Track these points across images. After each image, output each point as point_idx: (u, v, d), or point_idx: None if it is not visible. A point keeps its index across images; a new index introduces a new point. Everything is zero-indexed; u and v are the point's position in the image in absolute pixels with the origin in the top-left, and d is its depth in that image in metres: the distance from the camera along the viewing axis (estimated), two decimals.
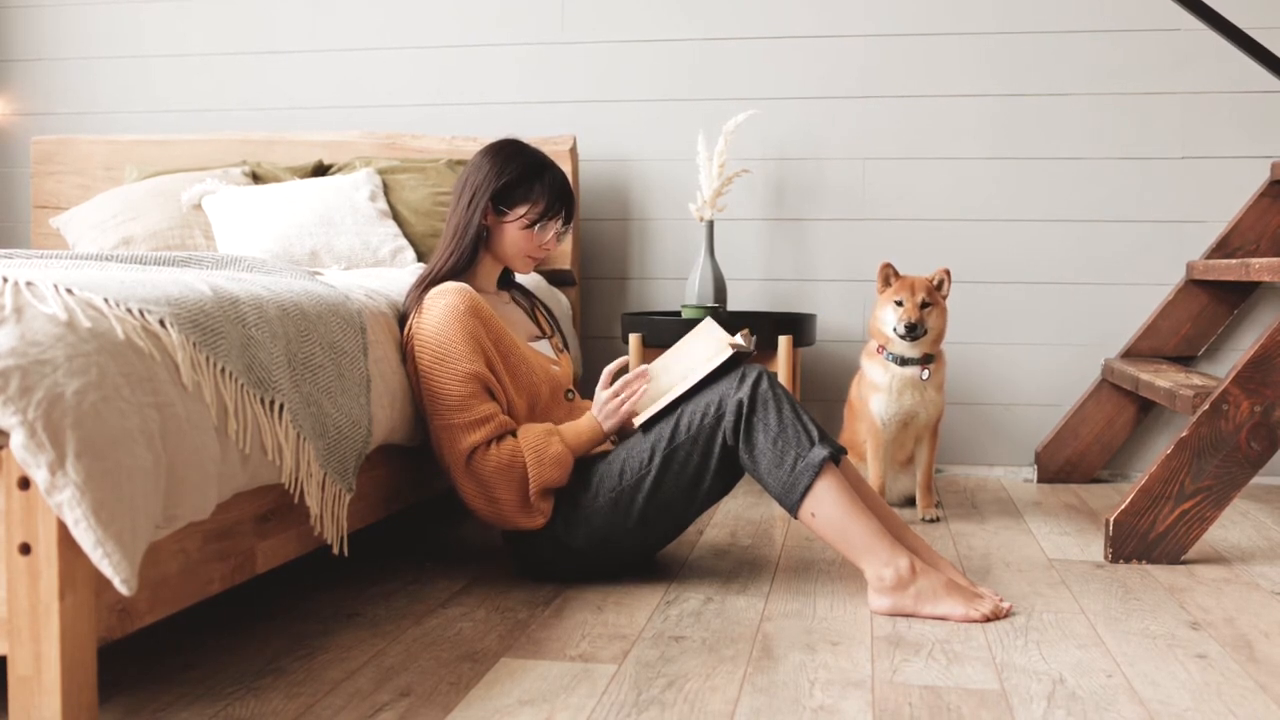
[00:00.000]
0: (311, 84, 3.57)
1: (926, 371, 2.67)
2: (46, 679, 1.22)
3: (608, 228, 3.46)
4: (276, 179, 3.20)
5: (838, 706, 1.48)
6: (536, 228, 2.13)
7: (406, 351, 2.03)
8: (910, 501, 2.82)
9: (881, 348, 2.68)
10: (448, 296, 2.00)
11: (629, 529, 2.01)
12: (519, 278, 2.40)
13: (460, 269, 2.12)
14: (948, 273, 2.67)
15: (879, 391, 2.68)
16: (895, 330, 2.62)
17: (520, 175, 2.12)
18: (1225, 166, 3.19)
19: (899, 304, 2.62)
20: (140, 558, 1.23)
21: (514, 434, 2.01)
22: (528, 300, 2.34)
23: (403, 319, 2.08)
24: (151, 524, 1.27)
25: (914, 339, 2.62)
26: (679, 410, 2.00)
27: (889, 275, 2.66)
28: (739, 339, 2.02)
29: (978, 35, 3.26)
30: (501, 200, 2.11)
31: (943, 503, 2.90)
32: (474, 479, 1.98)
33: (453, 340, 1.97)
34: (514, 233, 2.13)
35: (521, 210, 2.12)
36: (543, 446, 1.99)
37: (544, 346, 2.23)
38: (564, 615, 1.88)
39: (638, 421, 2.04)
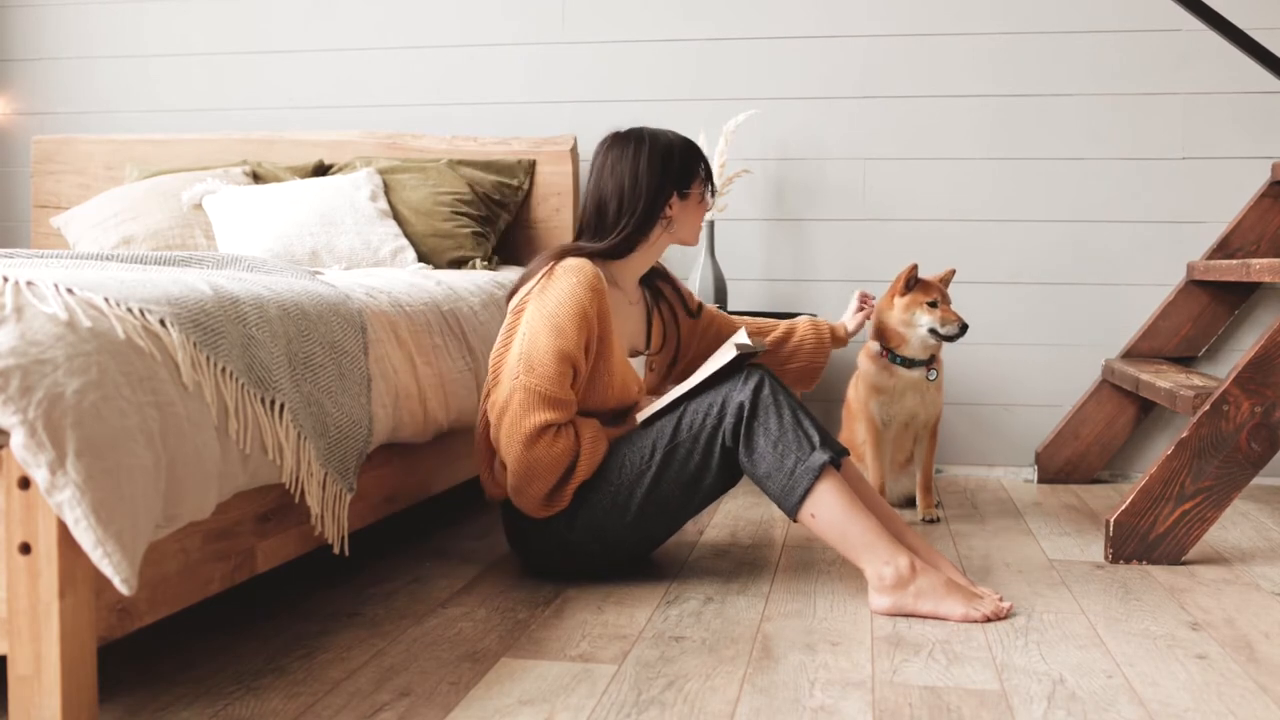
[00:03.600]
0: (312, 84, 3.57)
1: (934, 372, 2.66)
2: (46, 679, 1.22)
3: None
4: (277, 178, 3.20)
5: (838, 706, 1.48)
6: (707, 195, 2.19)
7: (518, 305, 2.02)
8: (910, 502, 2.82)
9: (886, 350, 2.67)
10: (583, 274, 1.99)
11: (627, 523, 2.01)
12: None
13: (615, 256, 2.13)
14: (953, 272, 2.71)
15: (881, 393, 2.67)
16: (939, 332, 2.59)
17: (684, 157, 2.15)
18: (1225, 167, 3.19)
19: (932, 305, 2.59)
20: (140, 557, 1.23)
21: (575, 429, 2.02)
22: (654, 301, 2.32)
23: (524, 279, 2.07)
24: (152, 523, 1.27)
25: (960, 338, 2.63)
26: (682, 408, 2.00)
27: (912, 278, 2.62)
28: (743, 338, 2.01)
29: (978, 35, 3.26)
30: (683, 186, 2.15)
31: (943, 503, 2.90)
32: (529, 454, 1.96)
33: (570, 316, 1.96)
34: (691, 210, 2.17)
35: (697, 188, 2.16)
36: (599, 439, 2.02)
37: (638, 363, 2.24)
38: (564, 615, 1.88)
39: (640, 418, 2.04)
